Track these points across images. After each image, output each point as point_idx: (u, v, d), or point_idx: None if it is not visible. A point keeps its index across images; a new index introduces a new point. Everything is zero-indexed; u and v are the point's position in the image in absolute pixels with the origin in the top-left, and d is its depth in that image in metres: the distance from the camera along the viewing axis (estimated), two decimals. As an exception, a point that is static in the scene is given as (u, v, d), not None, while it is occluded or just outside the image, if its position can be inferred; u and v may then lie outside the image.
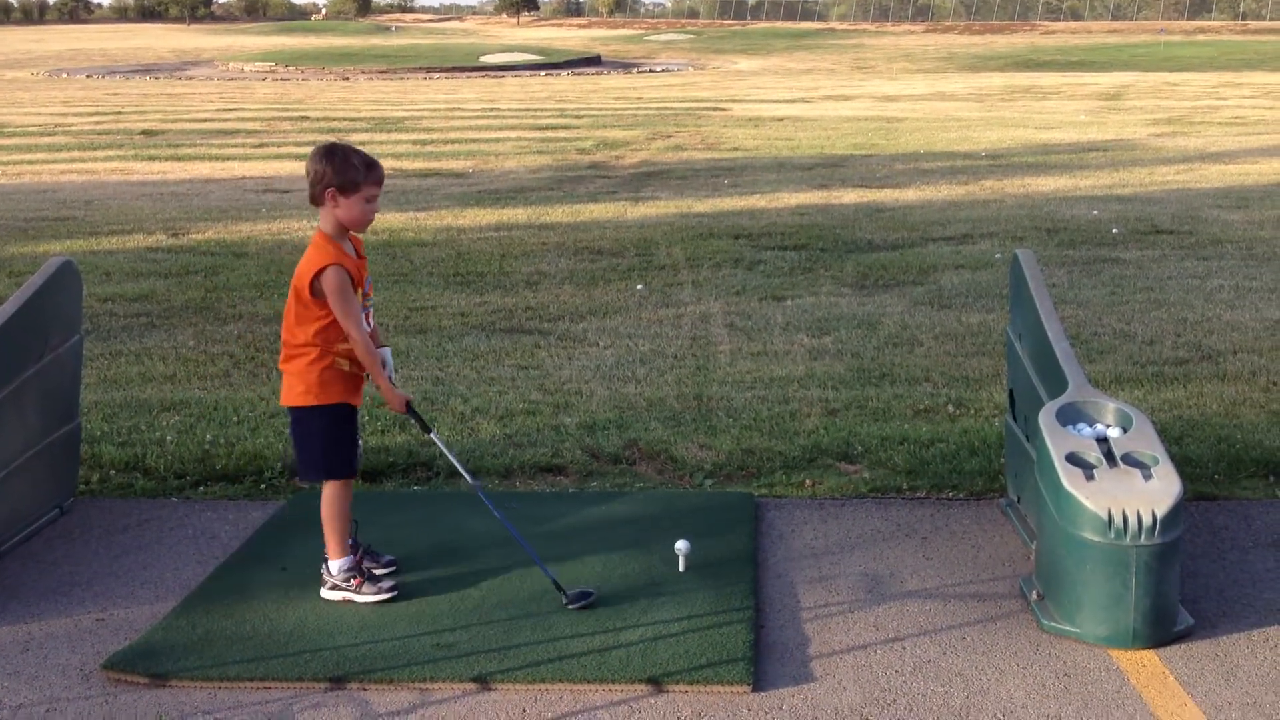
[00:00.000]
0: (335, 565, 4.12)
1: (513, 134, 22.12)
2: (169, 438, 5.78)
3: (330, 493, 4.12)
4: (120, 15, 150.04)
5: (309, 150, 4.15)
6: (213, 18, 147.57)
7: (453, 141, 20.76)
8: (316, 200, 4.09)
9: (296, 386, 4.04)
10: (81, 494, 5.18)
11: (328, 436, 4.08)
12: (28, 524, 4.72)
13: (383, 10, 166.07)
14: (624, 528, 4.73)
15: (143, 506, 5.06)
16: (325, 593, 4.13)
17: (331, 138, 22.61)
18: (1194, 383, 6.57)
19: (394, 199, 13.92)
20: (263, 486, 5.28)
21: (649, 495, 5.14)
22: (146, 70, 53.74)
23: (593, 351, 7.47)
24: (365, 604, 4.07)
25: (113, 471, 5.43)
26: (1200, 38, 67.43)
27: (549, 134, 22.09)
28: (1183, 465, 4.86)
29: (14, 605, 4.15)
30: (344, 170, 4.00)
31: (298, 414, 4.09)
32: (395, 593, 4.11)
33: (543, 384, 6.76)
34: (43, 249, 10.66)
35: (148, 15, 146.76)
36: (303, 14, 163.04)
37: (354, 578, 4.10)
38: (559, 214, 12.87)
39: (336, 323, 3.97)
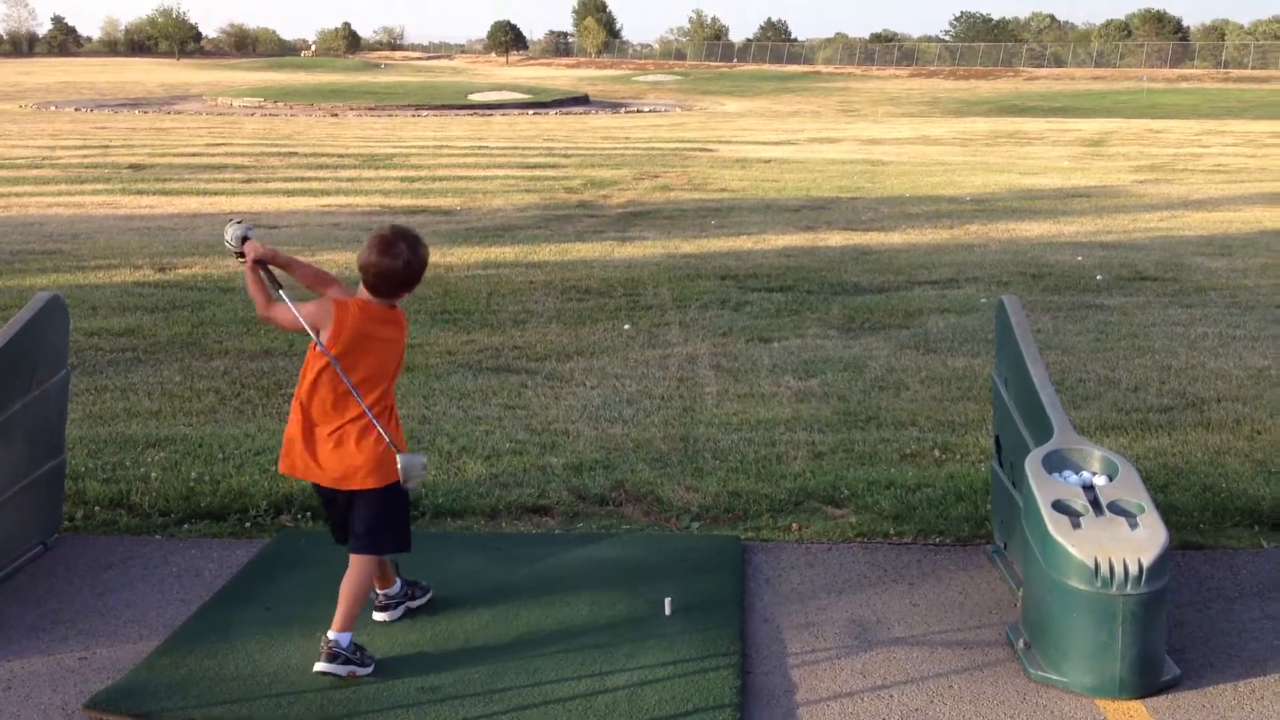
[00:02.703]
0: (345, 639, 3.88)
1: (501, 172, 22.19)
2: (154, 474, 5.75)
3: (373, 565, 4.02)
4: (110, 49, 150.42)
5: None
6: (202, 53, 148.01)
7: (441, 179, 20.81)
8: (410, 287, 3.99)
9: (379, 461, 3.87)
10: (66, 530, 5.15)
11: (407, 506, 4.05)
12: (11, 560, 4.69)
13: (372, 47, 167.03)
14: (610, 570, 4.72)
15: (127, 544, 5.03)
16: (324, 665, 3.84)
17: (320, 174, 22.54)
18: (1179, 430, 6.60)
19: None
20: (247, 524, 5.26)
21: (635, 538, 5.14)
22: (135, 104, 53.78)
23: (580, 391, 7.47)
24: (356, 657, 3.91)
25: (97, 508, 5.39)
26: (1183, 85, 68.15)
27: (537, 172, 22.18)
28: (1168, 513, 4.88)
29: (-5, 643, 4.12)
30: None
31: (388, 490, 3.90)
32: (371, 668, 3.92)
33: (529, 424, 6.76)
34: (29, 283, 10.63)
35: (137, 49, 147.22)
36: (292, 50, 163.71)
37: (357, 652, 3.91)
38: (546, 253, 12.90)
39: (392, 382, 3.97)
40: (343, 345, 3.84)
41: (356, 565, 3.95)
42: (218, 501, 5.42)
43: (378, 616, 4.25)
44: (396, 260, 3.86)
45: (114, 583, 4.64)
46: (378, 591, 4.27)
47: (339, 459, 3.87)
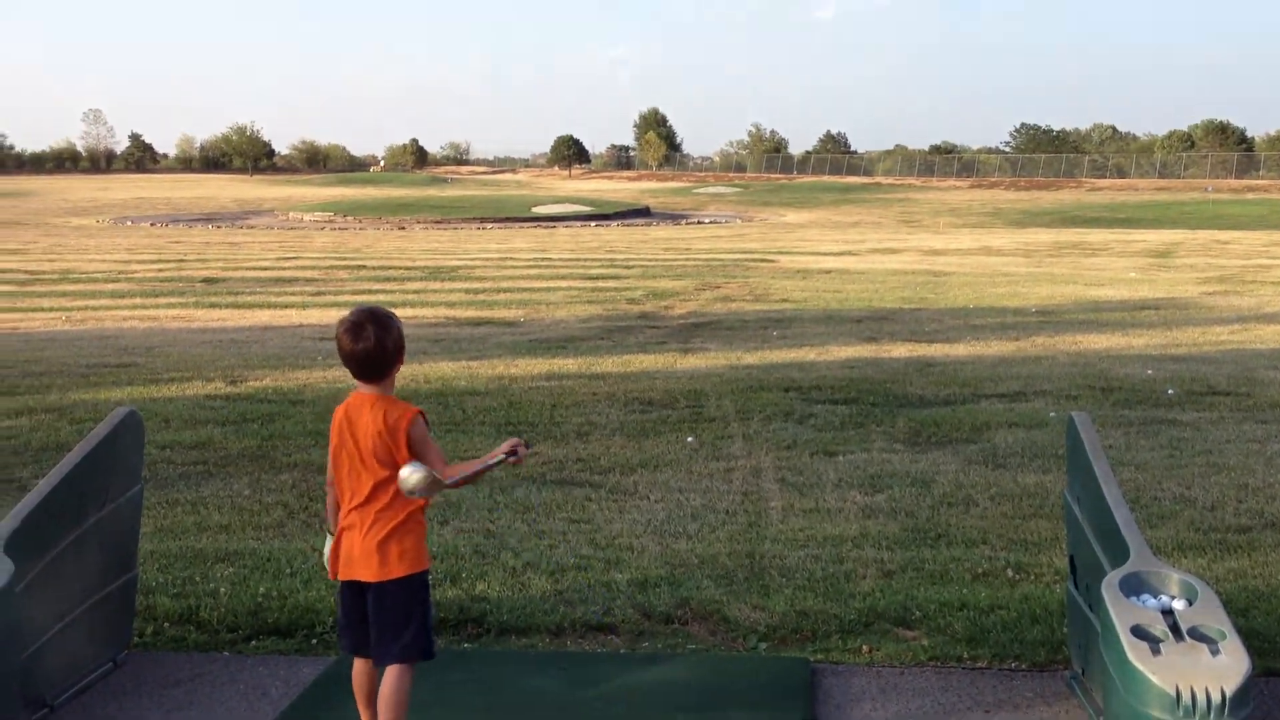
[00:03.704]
0: None
1: (563, 283, 22.45)
2: (223, 589, 5.79)
3: (410, 676, 3.92)
4: (185, 165, 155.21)
5: (359, 304, 4.13)
6: (275, 169, 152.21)
7: (505, 290, 21.09)
8: (390, 367, 3.95)
9: (400, 551, 3.85)
10: (135, 646, 5.18)
11: (429, 604, 3.97)
12: (82, 677, 4.71)
13: (439, 162, 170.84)
14: (678, 694, 4.65)
15: (195, 661, 5.04)
16: None
17: (387, 286, 22.91)
18: (1258, 551, 6.44)
19: (447, 348, 14.11)
20: (314, 641, 5.26)
21: (702, 658, 5.07)
22: (209, 218, 55.25)
23: (644, 505, 7.45)
24: None
25: (166, 624, 5.43)
26: (1249, 196, 67.77)
27: (599, 284, 22.41)
28: (1250, 638, 4.73)
29: (63, 761, 4.12)
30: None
31: (408, 584, 3.87)
32: None
33: (594, 538, 6.73)
34: (104, 396, 10.85)
35: (212, 166, 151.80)
36: (362, 165, 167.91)
37: None
38: (609, 364, 12.97)
39: None
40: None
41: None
42: (285, 617, 5.44)
43: None
44: (366, 342, 3.88)
45: (181, 700, 4.65)
46: None
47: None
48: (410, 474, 3.64)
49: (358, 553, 3.88)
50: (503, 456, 3.90)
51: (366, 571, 3.86)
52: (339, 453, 3.94)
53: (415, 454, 3.84)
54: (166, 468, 8.38)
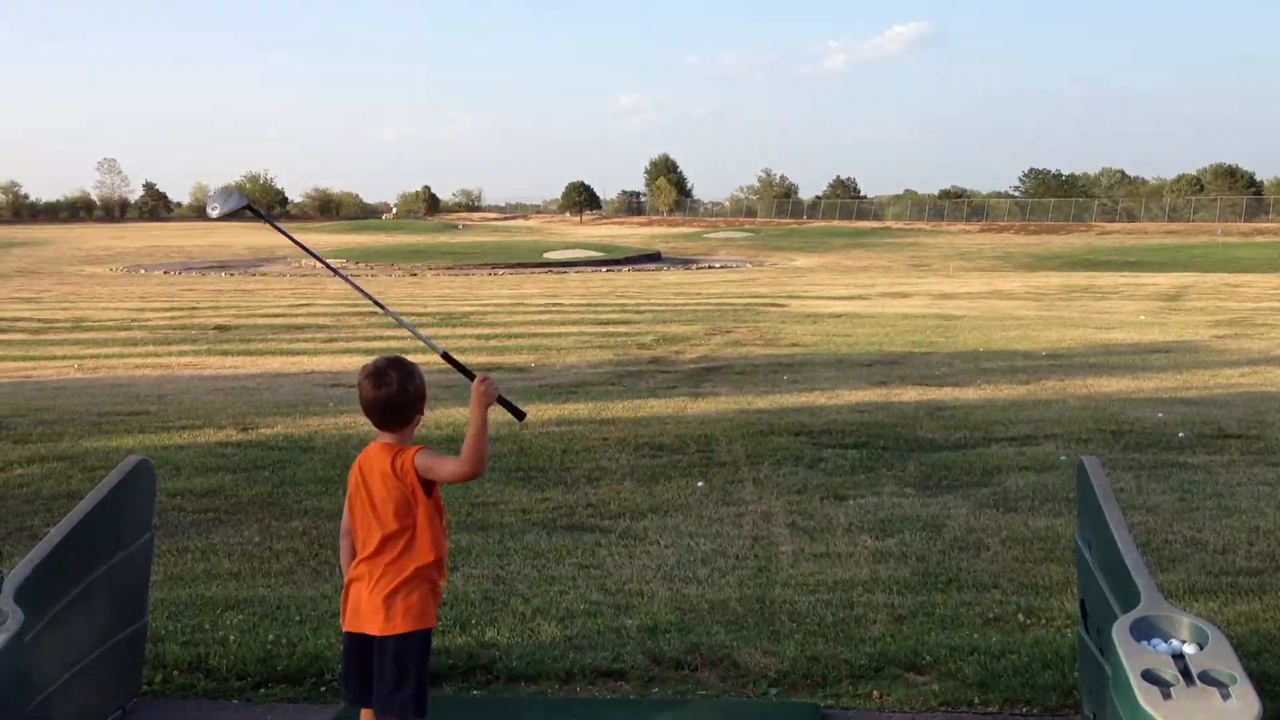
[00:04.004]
0: None
1: (574, 329, 22.51)
2: (232, 637, 5.79)
3: None
4: (199, 214, 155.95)
5: (375, 353, 4.18)
6: (288, 216, 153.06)
7: (516, 336, 21.16)
8: (411, 414, 4.00)
9: (406, 606, 3.85)
10: (144, 694, 5.18)
11: (427, 662, 3.95)
12: (89, 725, 4.71)
13: (451, 209, 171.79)
14: (687, 739, 4.63)
15: (204, 708, 5.04)
16: None
17: (399, 332, 22.97)
18: (1270, 594, 6.40)
19: (458, 394, 14.11)
20: (322, 689, 5.25)
21: (712, 704, 5.05)
22: (222, 266, 55.66)
23: (654, 550, 7.44)
24: None
25: (175, 672, 5.42)
26: (1259, 239, 67.80)
27: (610, 329, 22.47)
28: (1261, 682, 4.71)
29: (72, 809, 4.11)
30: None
31: (408, 641, 3.87)
32: None
33: (604, 584, 6.72)
34: (115, 444, 10.89)
35: (226, 214, 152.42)
36: (374, 213, 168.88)
37: None
38: (619, 409, 12.98)
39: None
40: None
41: None
42: (294, 665, 5.43)
43: None
44: (388, 388, 3.93)
45: (190, 748, 4.64)
46: None
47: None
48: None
49: (364, 605, 3.89)
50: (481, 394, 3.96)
51: (372, 625, 3.88)
52: (354, 502, 3.97)
53: (422, 489, 3.88)
54: (177, 515, 8.40)
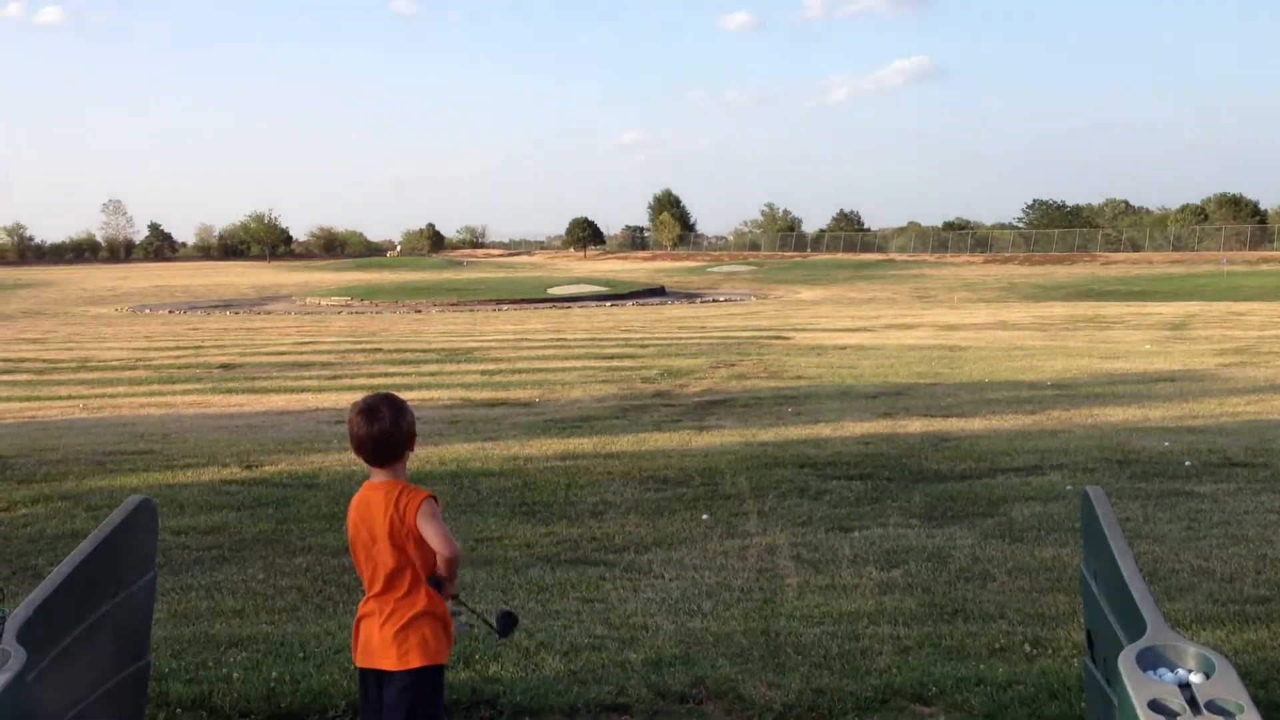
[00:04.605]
0: None
1: (579, 363, 22.53)
2: (235, 674, 5.77)
3: None
4: (203, 254, 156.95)
5: (376, 388, 4.20)
6: (292, 255, 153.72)
7: (520, 371, 21.18)
8: (403, 450, 4.01)
9: (420, 640, 3.86)
10: (146, 732, 5.15)
11: (440, 698, 3.94)
12: (91, 765, 4.68)
13: (455, 246, 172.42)
14: (692, 773, 4.60)
15: (206, 746, 5.02)
16: None
17: (403, 369, 23.05)
18: (1277, 623, 6.36)
19: (462, 429, 14.14)
20: (326, 726, 5.23)
21: (717, 738, 5.01)
22: (227, 305, 55.84)
23: (658, 583, 7.41)
24: None
25: (179, 710, 5.40)
26: (1264, 267, 67.82)
27: (614, 363, 22.48)
28: (1269, 712, 4.67)
29: None
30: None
31: (420, 675, 3.86)
32: None
33: (608, 617, 6.70)
34: (119, 482, 10.89)
35: (230, 253, 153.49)
36: (379, 250, 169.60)
37: None
38: (624, 443, 12.97)
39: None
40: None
41: None
42: (298, 702, 5.41)
43: None
44: (380, 423, 3.95)
45: (192, 786, 4.61)
46: None
47: None
48: None
49: (376, 642, 3.88)
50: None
51: (385, 660, 3.87)
52: (355, 544, 3.97)
53: (418, 532, 3.87)
54: (181, 553, 8.39)
